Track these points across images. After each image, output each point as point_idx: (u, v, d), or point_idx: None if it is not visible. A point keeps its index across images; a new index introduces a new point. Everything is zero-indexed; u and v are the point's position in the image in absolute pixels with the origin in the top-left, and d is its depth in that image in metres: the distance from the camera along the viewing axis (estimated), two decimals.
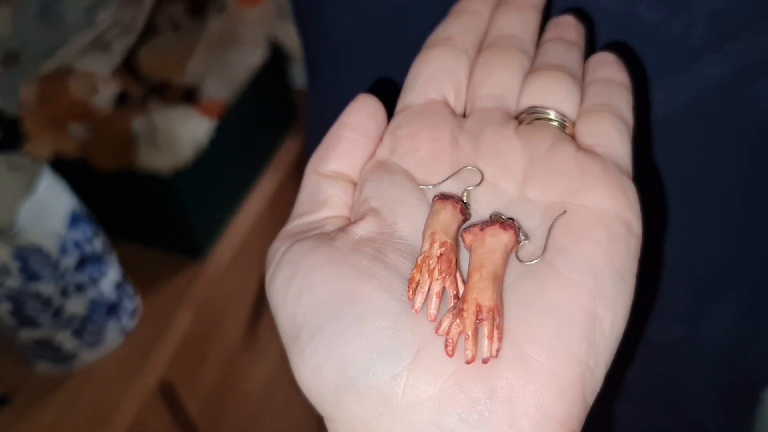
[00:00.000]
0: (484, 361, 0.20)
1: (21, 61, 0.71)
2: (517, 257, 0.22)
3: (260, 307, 0.83)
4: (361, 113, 0.26)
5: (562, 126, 0.25)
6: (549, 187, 0.23)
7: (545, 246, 0.22)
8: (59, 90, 0.68)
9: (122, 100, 0.72)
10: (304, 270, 0.22)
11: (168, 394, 0.70)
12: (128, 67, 0.74)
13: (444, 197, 0.23)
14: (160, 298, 0.72)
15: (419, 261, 0.21)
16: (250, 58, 0.77)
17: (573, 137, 0.25)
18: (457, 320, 0.20)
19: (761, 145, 0.31)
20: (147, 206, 0.73)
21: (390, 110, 0.27)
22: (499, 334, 0.20)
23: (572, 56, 0.27)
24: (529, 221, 0.23)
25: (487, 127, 0.25)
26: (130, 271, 0.69)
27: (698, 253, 0.34)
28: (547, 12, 0.31)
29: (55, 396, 0.64)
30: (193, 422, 0.74)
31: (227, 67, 0.76)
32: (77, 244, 0.59)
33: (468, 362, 0.20)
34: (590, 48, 0.30)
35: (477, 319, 0.20)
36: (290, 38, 0.80)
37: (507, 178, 0.24)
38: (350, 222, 0.24)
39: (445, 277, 0.21)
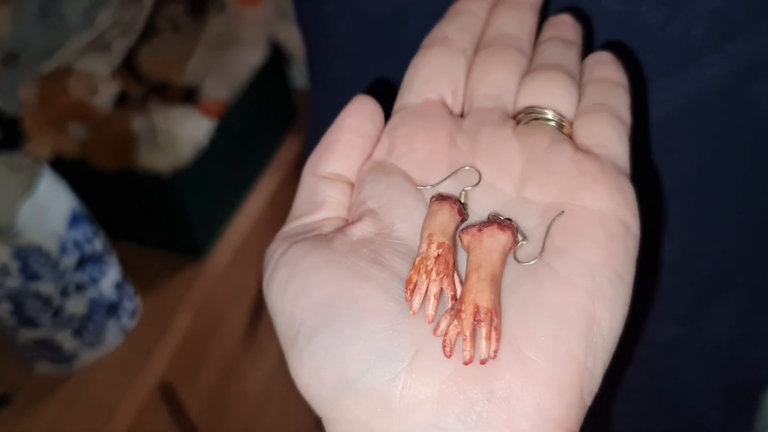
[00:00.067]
0: (482, 362, 0.20)
1: (21, 61, 0.71)
2: (515, 258, 0.22)
3: (260, 307, 0.83)
4: (358, 115, 0.26)
5: (560, 126, 0.25)
6: (547, 187, 0.23)
7: (543, 246, 0.22)
8: (59, 90, 0.68)
9: (122, 100, 0.72)
10: (302, 272, 0.22)
11: (168, 394, 0.70)
12: (128, 67, 0.74)
13: (441, 198, 0.23)
14: (160, 298, 0.72)
15: (417, 262, 0.21)
16: (250, 58, 0.77)
17: (571, 137, 0.25)
18: (455, 321, 0.20)
19: (761, 145, 0.31)
20: (147, 206, 0.73)
21: (388, 111, 0.27)
22: (497, 335, 0.20)
23: (570, 56, 0.27)
24: (527, 221, 0.23)
25: (485, 127, 0.25)
26: (130, 271, 0.69)
27: (698, 253, 0.34)
28: (547, 11, 0.30)
29: (55, 396, 0.64)
30: (192, 422, 0.74)
31: (227, 67, 0.76)
32: (77, 244, 0.59)
33: (466, 363, 0.20)
34: (588, 47, 0.30)
35: (475, 320, 0.20)
36: (290, 38, 0.80)
37: (505, 178, 0.24)
38: (348, 223, 0.24)
39: (442, 278, 0.21)
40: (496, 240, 0.21)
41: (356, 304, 0.21)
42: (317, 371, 0.20)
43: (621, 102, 0.26)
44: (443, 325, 0.20)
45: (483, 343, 0.20)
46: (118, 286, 0.65)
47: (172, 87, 0.74)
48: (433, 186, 0.24)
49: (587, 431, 0.21)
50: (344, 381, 0.20)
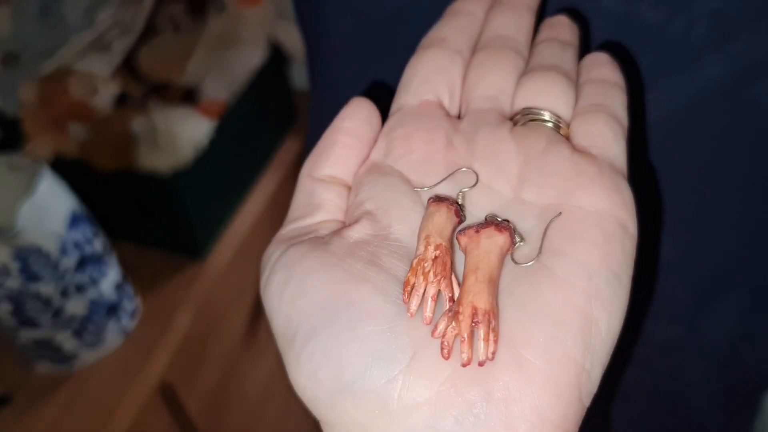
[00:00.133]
0: (480, 364, 0.20)
1: (21, 62, 0.71)
2: (513, 259, 0.22)
3: (260, 307, 0.82)
4: (355, 117, 0.26)
5: (557, 127, 0.25)
6: (544, 188, 0.23)
7: (540, 248, 0.22)
8: (59, 90, 0.68)
9: (122, 100, 0.72)
10: (299, 274, 0.22)
11: (168, 394, 0.71)
12: (128, 67, 0.74)
13: (439, 199, 0.22)
14: (160, 299, 0.72)
15: (414, 264, 0.21)
16: (250, 58, 0.77)
17: (568, 138, 0.25)
18: (453, 323, 0.20)
19: (761, 145, 0.31)
20: (147, 206, 0.73)
21: (386, 112, 0.27)
22: (494, 336, 0.20)
23: (566, 56, 0.27)
24: (524, 223, 0.23)
25: (482, 129, 0.25)
26: (130, 272, 0.69)
27: (698, 253, 0.34)
28: (545, 11, 0.30)
29: (55, 396, 0.64)
30: (192, 422, 0.75)
31: (227, 67, 0.76)
32: (77, 245, 0.59)
33: (464, 365, 0.20)
34: (587, 47, 0.30)
35: (473, 321, 0.20)
36: (290, 38, 0.80)
37: (502, 179, 0.24)
38: (345, 225, 0.24)
39: (440, 280, 0.21)
40: (493, 241, 0.21)
41: (353, 307, 0.21)
42: (314, 374, 0.20)
43: (617, 102, 0.26)
44: (441, 327, 0.20)
45: (481, 344, 0.20)
46: (118, 287, 0.66)
47: (172, 87, 0.74)
48: (430, 187, 0.24)
49: None
50: (341, 383, 0.20)
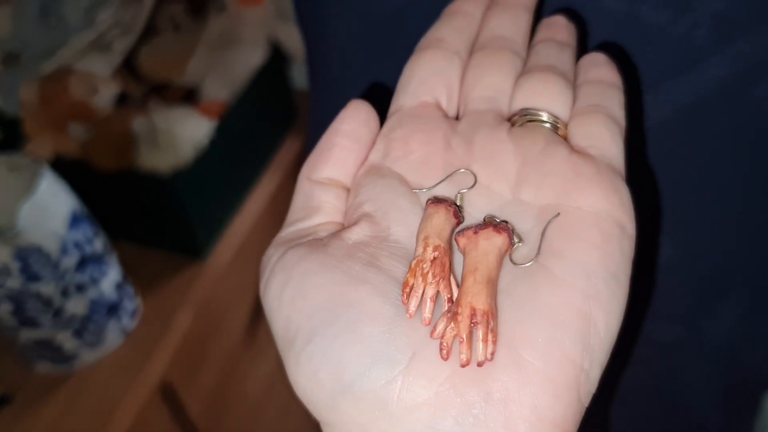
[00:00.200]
0: (479, 365, 0.20)
1: (21, 62, 0.71)
2: (511, 260, 0.22)
3: (260, 307, 0.82)
4: (353, 119, 0.26)
5: (555, 127, 0.25)
6: (542, 189, 0.23)
7: (539, 248, 0.22)
8: (59, 90, 0.68)
9: (122, 100, 0.72)
10: (298, 276, 0.22)
11: (168, 394, 0.71)
12: (128, 67, 0.74)
13: (437, 200, 0.22)
14: (160, 299, 0.72)
15: (413, 265, 0.21)
16: (250, 58, 0.77)
17: (566, 139, 0.25)
18: (452, 324, 0.20)
19: (762, 146, 0.31)
20: (147, 206, 0.73)
21: (384, 114, 0.27)
22: (493, 337, 0.20)
23: (564, 57, 0.27)
24: (522, 223, 0.23)
25: (480, 130, 0.25)
26: (130, 272, 0.69)
27: (698, 253, 0.34)
28: (547, 11, 0.30)
29: (55, 396, 0.64)
30: (193, 422, 0.75)
31: (227, 67, 0.76)
32: (77, 245, 0.59)
33: (463, 366, 0.20)
34: (586, 48, 0.30)
35: (471, 322, 0.20)
36: (290, 39, 0.80)
37: (500, 180, 0.24)
38: (344, 227, 0.24)
39: (438, 281, 0.21)
40: (492, 242, 0.21)
41: (353, 308, 0.21)
42: (314, 375, 0.20)
43: (615, 103, 0.26)
44: (440, 328, 0.20)
45: (480, 345, 0.20)
46: (119, 287, 0.66)
47: (173, 87, 0.74)
48: (428, 189, 0.24)
49: None
50: (341, 384, 0.20)
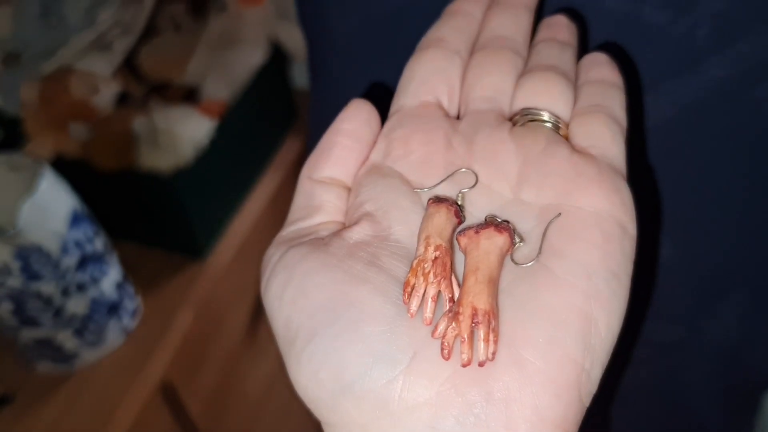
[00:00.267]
0: (480, 364, 0.20)
1: (22, 61, 0.71)
2: (513, 260, 0.22)
3: (261, 307, 0.82)
4: (355, 119, 0.26)
5: (556, 127, 0.25)
6: (543, 188, 0.23)
7: (540, 248, 0.22)
8: (60, 90, 0.68)
9: (123, 100, 0.72)
10: (299, 275, 0.22)
11: (168, 393, 0.71)
12: (129, 67, 0.74)
13: (438, 200, 0.23)
14: (160, 298, 0.72)
15: (414, 264, 0.21)
16: (251, 58, 0.77)
17: (567, 138, 0.25)
18: (453, 324, 0.20)
19: (762, 146, 0.31)
20: (147, 206, 0.73)
21: (385, 113, 0.27)
22: (494, 337, 0.20)
23: (565, 57, 0.27)
24: (523, 223, 0.23)
25: (481, 129, 0.25)
26: (130, 271, 0.69)
27: (699, 254, 0.34)
28: (549, 11, 0.30)
29: (56, 396, 0.64)
30: (193, 422, 0.75)
31: (228, 67, 0.76)
32: (78, 244, 0.59)
33: (464, 365, 0.20)
34: (587, 48, 0.30)
35: (473, 322, 0.20)
36: (291, 38, 0.80)
37: (501, 180, 0.24)
38: (345, 227, 0.24)
39: (440, 281, 0.21)
40: (493, 242, 0.21)
41: (354, 307, 0.21)
42: (315, 374, 0.20)
43: (616, 103, 0.26)
44: (441, 328, 0.20)
45: (481, 345, 0.20)
46: (119, 286, 0.66)
47: (173, 87, 0.74)
48: (429, 188, 0.24)
49: None
50: (342, 384, 0.20)
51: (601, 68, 0.27)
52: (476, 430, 0.19)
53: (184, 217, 0.73)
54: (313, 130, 0.43)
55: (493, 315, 0.20)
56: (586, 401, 0.21)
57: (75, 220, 0.59)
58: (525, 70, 0.27)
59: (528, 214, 0.23)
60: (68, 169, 0.62)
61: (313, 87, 0.42)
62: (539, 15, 0.30)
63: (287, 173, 0.85)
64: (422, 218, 0.22)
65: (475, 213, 0.23)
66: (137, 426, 0.64)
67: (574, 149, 0.24)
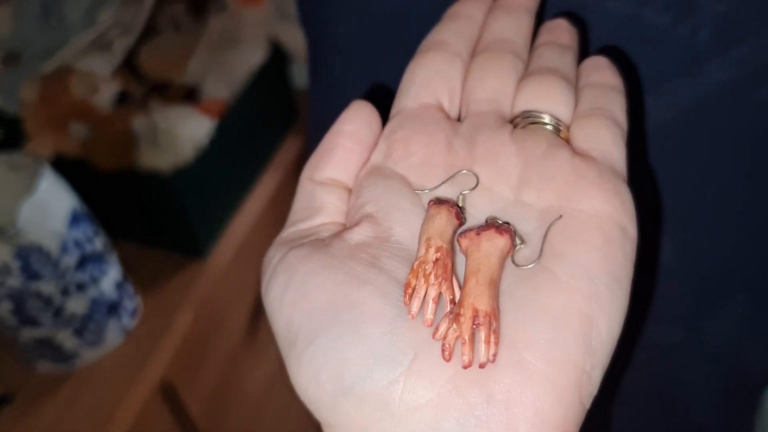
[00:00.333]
0: (481, 366, 0.20)
1: (22, 61, 0.71)
2: (513, 261, 0.22)
3: (261, 307, 0.82)
4: (356, 120, 0.26)
5: (557, 130, 0.25)
6: (544, 191, 0.23)
7: (541, 250, 0.22)
8: (60, 90, 0.68)
9: (123, 99, 0.72)
10: (300, 277, 0.22)
11: (168, 393, 0.71)
12: (129, 66, 0.74)
13: (439, 202, 0.23)
14: (160, 298, 0.72)
15: (415, 266, 0.21)
16: (251, 58, 0.77)
17: (568, 141, 0.25)
18: (454, 325, 0.20)
19: (763, 149, 0.31)
20: (147, 206, 0.73)
21: (386, 115, 0.27)
22: (495, 338, 0.20)
23: (566, 60, 0.27)
24: (524, 225, 0.23)
25: (482, 131, 0.25)
26: (130, 271, 0.69)
27: (699, 256, 0.34)
28: (549, 14, 0.30)
29: (55, 395, 0.64)
30: (193, 422, 0.75)
31: (228, 66, 0.76)
32: (78, 244, 0.59)
33: (465, 367, 0.20)
34: (587, 51, 0.30)
35: (474, 323, 0.20)
36: (291, 38, 0.80)
37: (502, 182, 0.24)
38: (346, 228, 0.24)
39: (441, 282, 0.21)
40: (494, 244, 0.21)
41: (354, 309, 0.21)
42: (316, 375, 0.20)
43: (617, 106, 0.26)
44: (442, 329, 0.20)
45: (482, 346, 0.20)
46: (119, 286, 0.66)
47: (173, 87, 0.74)
48: (430, 190, 0.24)
49: None
50: (343, 385, 0.20)
51: (602, 71, 0.27)
52: (477, 431, 0.19)
53: (184, 217, 0.73)
54: (313, 130, 0.43)
55: (494, 316, 0.20)
56: (587, 403, 0.21)
57: (75, 219, 0.59)
58: (526, 73, 0.27)
59: (529, 216, 0.23)
60: (68, 168, 0.62)
61: (314, 87, 0.42)
62: (540, 18, 0.30)
63: (287, 173, 0.85)
64: (423, 220, 0.22)
65: (476, 215, 0.23)
66: (137, 426, 0.64)
67: (575, 152, 0.24)
